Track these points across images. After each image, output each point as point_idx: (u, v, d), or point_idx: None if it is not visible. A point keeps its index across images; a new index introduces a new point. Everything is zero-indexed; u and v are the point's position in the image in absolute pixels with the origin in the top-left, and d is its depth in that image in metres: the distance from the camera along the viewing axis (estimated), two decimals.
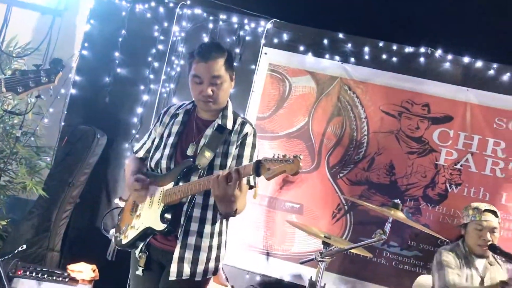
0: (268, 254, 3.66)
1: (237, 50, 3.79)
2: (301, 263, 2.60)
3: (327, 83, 3.69)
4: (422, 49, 3.57)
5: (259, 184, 3.55)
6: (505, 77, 3.49)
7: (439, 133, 3.54)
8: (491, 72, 3.50)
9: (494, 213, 2.93)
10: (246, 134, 2.27)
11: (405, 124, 3.58)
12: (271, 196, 3.70)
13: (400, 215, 2.55)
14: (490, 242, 2.87)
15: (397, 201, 2.57)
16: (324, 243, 2.74)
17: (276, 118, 3.74)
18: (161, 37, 3.91)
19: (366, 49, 3.63)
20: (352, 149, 3.64)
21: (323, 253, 2.53)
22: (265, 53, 3.76)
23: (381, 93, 3.62)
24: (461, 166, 3.51)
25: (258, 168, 1.81)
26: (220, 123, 2.27)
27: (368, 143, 3.62)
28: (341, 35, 3.68)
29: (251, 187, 2.27)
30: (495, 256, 2.99)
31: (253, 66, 3.78)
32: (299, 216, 3.66)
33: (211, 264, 2.22)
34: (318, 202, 3.64)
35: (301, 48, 3.72)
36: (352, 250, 2.72)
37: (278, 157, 1.79)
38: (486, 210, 2.93)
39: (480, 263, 2.96)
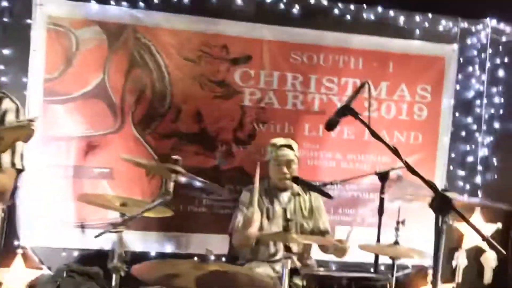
0: (83, 226, 3.38)
1: (5, 4, 3.22)
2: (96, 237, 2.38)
3: (117, 33, 3.36)
4: None
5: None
6: (295, 10, 3.52)
7: (240, 74, 3.50)
8: (282, 6, 3.50)
9: (289, 147, 3.01)
10: (5, 111, 1.96)
11: (206, 68, 3.46)
12: (75, 165, 3.36)
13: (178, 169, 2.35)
14: (288, 175, 2.97)
15: (175, 157, 2.37)
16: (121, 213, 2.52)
17: (67, 78, 3.33)
18: None
19: None
20: (156, 102, 3.44)
21: (117, 224, 2.34)
22: (41, 5, 3.25)
23: (177, 38, 3.42)
24: (265, 104, 3.54)
25: None
26: None
27: (172, 93, 3.45)
28: None
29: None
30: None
31: (29, 21, 3.26)
32: (111, 181, 3.41)
33: None
34: (129, 163, 3.41)
35: None
36: (151, 215, 2.55)
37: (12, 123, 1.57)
38: (281, 145, 3.00)
39: (284, 195, 3.06)
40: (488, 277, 3.72)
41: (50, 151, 3.30)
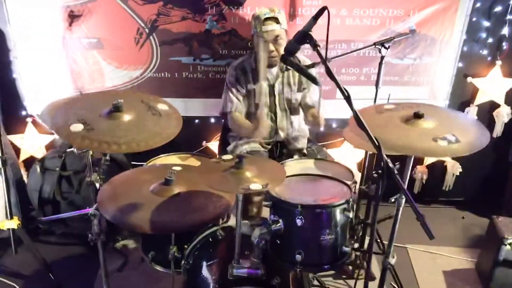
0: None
1: None
2: None
3: None
4: None
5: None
6: None
7: None
8: None
9: (275, 19, 2.72)
10: None
11: None
12: (62, 36, 3.26)
13: None
14: (275, 52, 2.77)
15: None
16: None
17: None
18: None
19: None
20: None
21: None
22: None
23: None
24: None
25: None
26: None
27: None
28: None
29: None
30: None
31: None
32: (101, 50, 3.32)
33: None
34: (115, 31, 3.27)
35: None
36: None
37: None
38: (266, 19, 2.71)
39: (271, 72, 2.92)
40: (498, 131, 3.62)
41: (38, 23, 3.21)
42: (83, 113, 1.86)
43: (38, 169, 3.24)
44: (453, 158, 3.74)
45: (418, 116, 1.99)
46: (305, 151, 3.08)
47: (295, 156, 3.01)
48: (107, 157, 2.47)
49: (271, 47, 2.76)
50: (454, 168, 3.77)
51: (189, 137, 3.60)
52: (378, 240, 3.11)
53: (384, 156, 1.58)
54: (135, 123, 1.85)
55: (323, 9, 1.75)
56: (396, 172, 1.57)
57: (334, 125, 3.65)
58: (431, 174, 3.82)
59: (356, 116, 1.65)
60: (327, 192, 2.21)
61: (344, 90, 1.69)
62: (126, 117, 1.86)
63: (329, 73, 1.74)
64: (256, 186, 1.87)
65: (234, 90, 2.93)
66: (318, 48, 1.80)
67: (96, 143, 1.70)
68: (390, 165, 1.57)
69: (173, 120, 1.92)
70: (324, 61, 1.77)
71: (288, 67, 2.88)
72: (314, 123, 2.87)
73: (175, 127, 1.89)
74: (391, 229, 2.20)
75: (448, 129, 1.93)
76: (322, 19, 1.84)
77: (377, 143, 1.60)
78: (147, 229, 1.94)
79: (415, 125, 1.96)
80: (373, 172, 1.61)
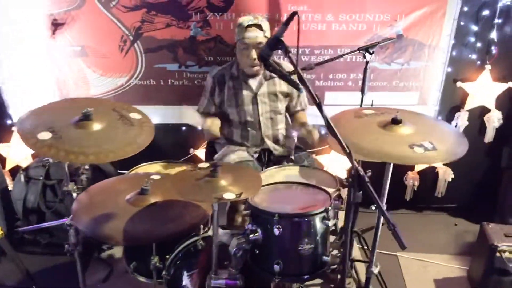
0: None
1: None
2: None
3: None
4: None
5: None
6: None
7: None
8: None
9: (258, 26, 2.69)
10: None
11: None
12: (47, 44, 3.24)
13: None
14: (257, 60, 2.73)
15: None
16: None
17: None
18: None
19: None
20: None
21: None
22: None
23: None
24: None
25: None
26: None
27: None
28: None
29: None
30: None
31: None
32: (85, 58, 3.30)
33: None
34: (99, 39, 3.24)
35: None
36: None
37: None
38: (249, 26, 2.68)
39: (253, 80, 2.88)
40: (489, 137, 3.57)
41: (22, 31, 3.20)
42: (52, 121, 1.82)
43: (22, 178, 3.21)
44: (445, 164, 3.69)
45: (396, 122, 1.94)
46: (292, 157, 3.04)
47: (284, 163, 2.97)
48: (86, 166, 2.43)
49: (253, 54, 2.72)
50: (446, 174, 3.72)
51: (176, 145, 3.57)
52: (365, 247, 3.05)
53: (355, 163, 1.54)
54: (104, 133, 1.81)
55: (293, 14, 1.71)
56: (367, 179, 1.53)
57: (322, 132, 3.59)
58: (422, 181, 3.77)
59: (327, 123, 1.61)
60: (307, 200, 2.17)
61: (315, 97, 1.66)
62: (96, 126, 1.82)
63: (300, 79, 1.71)
64: (230, 195, 1.83)
65: (207, 94, 2.96)
66: (290, 54, 1.76)
67: (63, 153, 1.66)
68: (361, 172, 1.53)
69: (145, 129, 1.88)
70: (295, 66, 1.73)
71: (272, 74, 2.87)
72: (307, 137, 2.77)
73: (147, 136, 1.85)
74: (373, 237, 2.16)
75: (426, 136, 1.88)
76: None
77: (348, 150, 1.56)
78: (120, 240, 1.89)
79: (392, 131, 1.92)
80: (344, 179, 1.56)
